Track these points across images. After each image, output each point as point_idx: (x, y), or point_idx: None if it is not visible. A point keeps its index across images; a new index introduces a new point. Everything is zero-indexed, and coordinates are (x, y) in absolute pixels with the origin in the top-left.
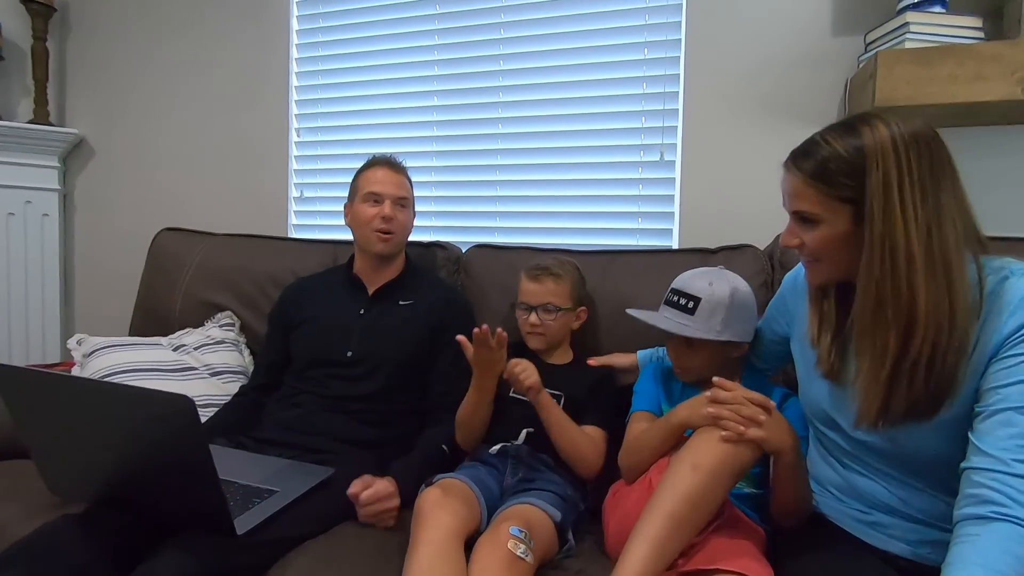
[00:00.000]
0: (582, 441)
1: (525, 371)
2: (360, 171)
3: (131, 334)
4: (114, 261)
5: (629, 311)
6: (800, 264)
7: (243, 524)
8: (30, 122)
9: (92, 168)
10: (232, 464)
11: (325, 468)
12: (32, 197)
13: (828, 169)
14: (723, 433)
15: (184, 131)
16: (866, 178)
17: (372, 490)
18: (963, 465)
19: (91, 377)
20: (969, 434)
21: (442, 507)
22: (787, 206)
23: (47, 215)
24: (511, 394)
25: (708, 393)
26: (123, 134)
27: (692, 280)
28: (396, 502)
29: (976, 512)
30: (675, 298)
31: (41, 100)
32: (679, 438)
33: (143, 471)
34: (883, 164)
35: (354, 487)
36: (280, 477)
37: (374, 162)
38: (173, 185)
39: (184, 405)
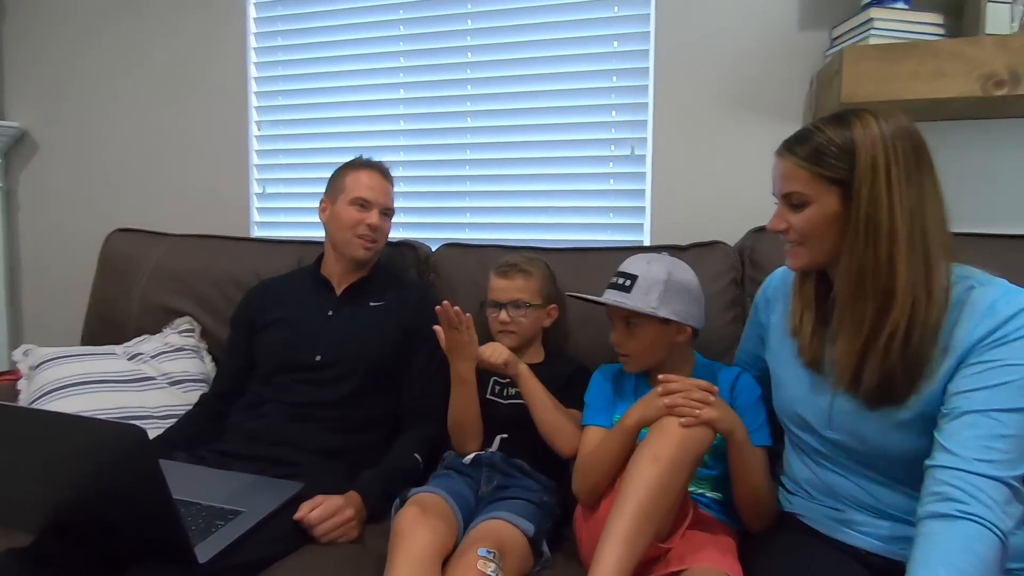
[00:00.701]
0: (563, 415)
1: (493, 351)
2: (347, 168)
3: (83, 343)
4: (63, 263)
5: (570, 294)
6: (769, 279)
7: (205, 551)
8: None
9: (36, 163)
10: (193, 482)
11: (293, 483)
12: None
13: (821, 152)
14: (682, 420)
15: (135, 123)
16: (856, 161)
17: (319, 510)
18: (927, 463)
19: (40, 390)
20: (935, 434)
21: (421, 524)
22: (777, 191)
23: None
24: (486, 396)
25: (657, 388)
26: (69, 127)
27: (632, 262)
28: (348, 514)
29: (939, 510)
30: (615, 279)
31: None
32: (634, 442)
33: (95, 504)
34: (872, 150)
35: (300, 511)
36: (245, 495)
37: (365, 164)
38: (125, 182)
39: (136, 436)
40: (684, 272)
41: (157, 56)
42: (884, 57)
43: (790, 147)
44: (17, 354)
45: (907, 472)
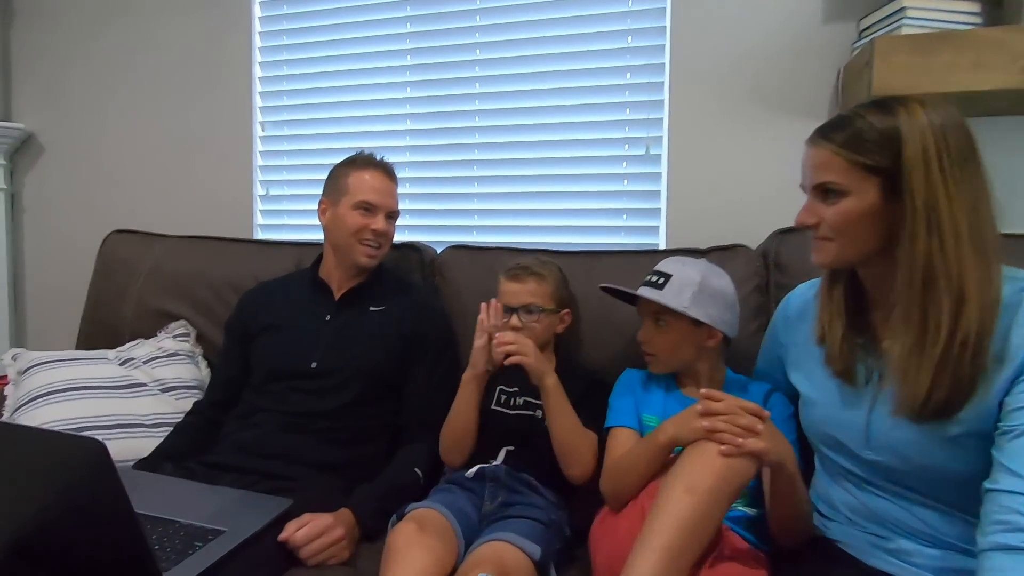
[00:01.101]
0: (582, 436)
1: (521, 346)
2: (348, 167)
3: (79, 347)
4: (67, 266)
5: (602, 286)
6: (788, 298)
7: None
8: None
9: (41, 166)
10: (175, 497)
11: (281, 500)
12: None
13: (861, 139)
14: (721, 447)
15: (141, 126)
16: (902, 149)
17: (306, 529)
18: (988, 485)
19: (27, 396)
20: (994, 453)
21: (416, 544)
22: (807, 182)
23: None
24: (492, 406)
25: (697, 406)
26: (75, 129)
27: (667, 262)
28: (338, 533)
29: (1007, 542)
30: (648, 277)
31: None
32: (667, 458)
33: (51, 523)
34: (921, 139)
35: (285, 531)
36: (230, 512)
37: (368, 163)
38: (131, 184)
39: (95, 450)
40: (720, 278)
41: (162, 58)
42: (918, 48)
43: (825, 133)
44: (6, 358)
45: (959, 495)
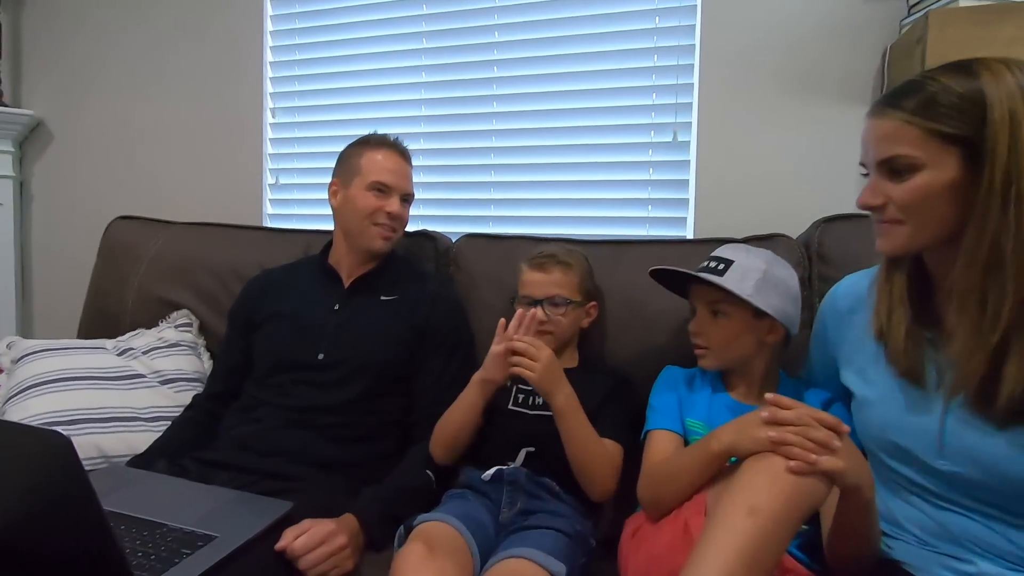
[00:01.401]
0: (601, 455)
1: (535, 349)
2: (361, 147)
3: (80, 336)
4: (76, 254)
5: (653, 268)
6: (835, 291)
7: None
8: None
9: (51, 153)
10: (166, 498)
11: (280, 502)
12: None
13: (937, 104)
14: (790, 463)
15: (151, 113)
16: (986, 114)
17: (305, 537)
18: None
19: (19, 386)
20: None
21: (425, 569)
22: (870, 158)
23: (1, 204)
24: (509, 407)
25: (762, 412)
26: (84, 116)
27: (727, 249)
28: (340, 541)
29: None
30: (706, 263)
31: None
32: (720, 469)
33: (13, 523)
34: (1009, 102)
35: (283, 539)
36: (223, 516)
37: (382, 142)
38: (140, 172)
39: (58, 445)
40: (784, 268)
41: (172, 43)
42: (977, 21)
43: (892, 100)
44: (1, 347)
45: None
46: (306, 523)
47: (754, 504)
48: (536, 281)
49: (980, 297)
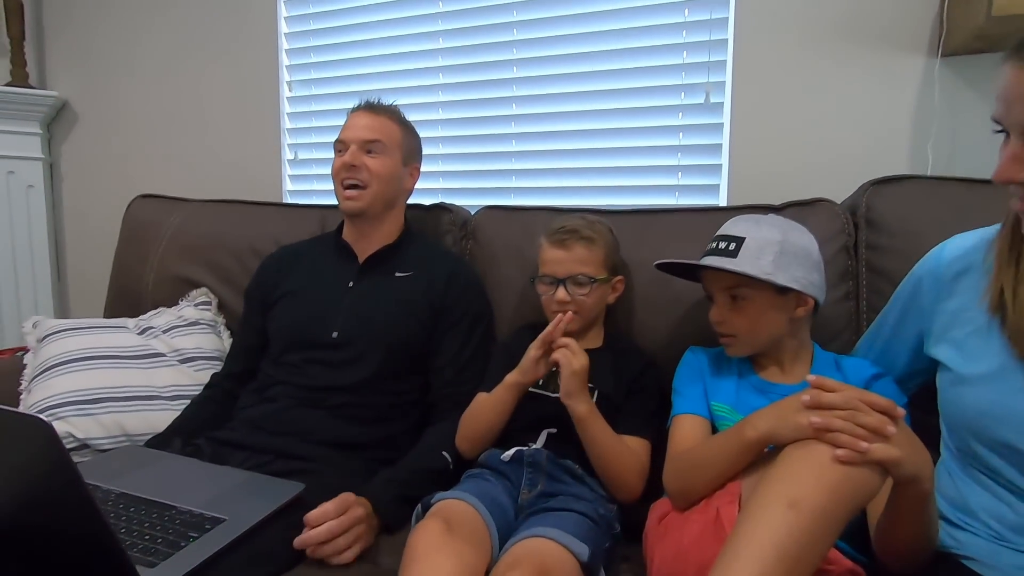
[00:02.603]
0: (627, 462)
1: (570, 357)
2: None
3: (105, 315)
4: (106, 234)
5: (658, 263)
6: (940, 252)
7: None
8: (7, 84)
9: (77, 134)
10: (177, 479)
11: (293, 484)
12: (14, 167)
13: None
14: (837, 452)
15: (174, 91)
16: None
17: (319, 510)
18: None
19: (43, 365)
20: None
21: (442, 549)
22: (1014, 117)
23: (32, 186)
24: (531, 388)
25: (803, 396)
26: (108, 96)
27: (734, 224)
28: (358, 512)
29: None
30: (715, 244)
31: (19, 60)
32: (756, 457)
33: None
34: None
35: (302, 540)
36: (233, 498)
37: (354, 108)
38: (164, 150)
39: (40, 429)
40: (801, 234)
41: (193, 23)
42: None
43: None
44: (27, 326)
45: None
46: (320, 509)
47: (795, 496)
48: (557, 259)
49: None
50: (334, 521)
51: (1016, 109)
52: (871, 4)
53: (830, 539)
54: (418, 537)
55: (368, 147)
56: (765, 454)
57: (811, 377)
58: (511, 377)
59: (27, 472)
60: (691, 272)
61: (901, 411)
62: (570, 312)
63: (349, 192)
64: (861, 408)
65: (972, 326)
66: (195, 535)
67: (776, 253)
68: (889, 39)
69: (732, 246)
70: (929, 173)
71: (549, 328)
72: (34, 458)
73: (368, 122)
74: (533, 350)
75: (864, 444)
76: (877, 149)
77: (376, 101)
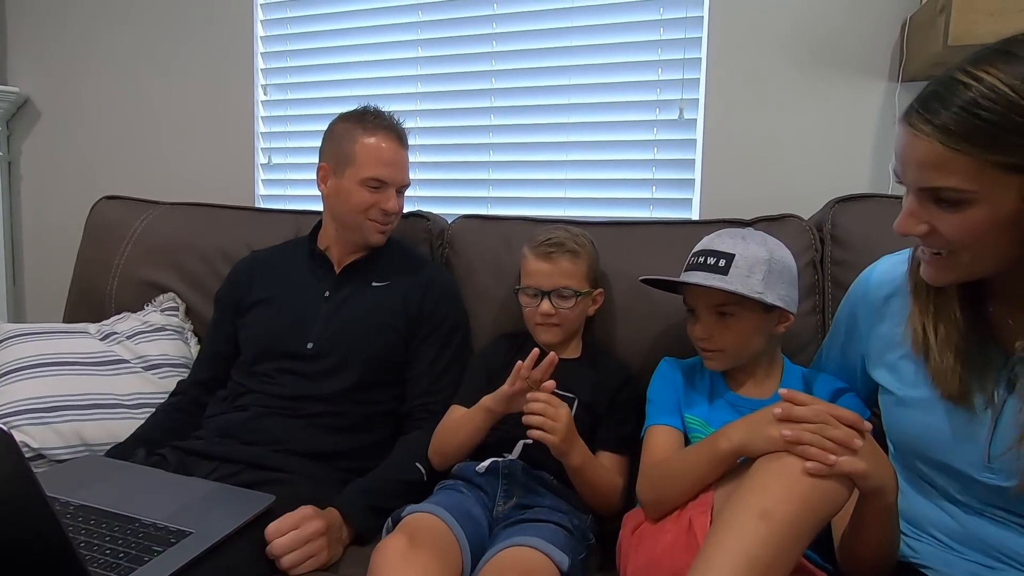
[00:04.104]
0: (610, 488)
1: (554, 417)
2: (355, 129)
3: (65, 320)
4: (66, 236)
5: (643, 278)
6: (869, 275)
7: None
8: None
9: (38, 132)
10: (141, 490)
11: (262, 495)
12: None
13: (987, 122)
14: (806, 464)
15: (142, 90)
16: None
17: (277, 522)
18: None
19: None
20: None
21: (402, 566)
22: (910, 179)
23: None
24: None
25: (774, 409)
26: (73, 94)
27: (720, 239)
28: (315, 526)
29: None
30: (701, 259)
31: None
32: (729, 468)
33: None
34: None
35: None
36: (200, 510)
37: (377, 126)
38: (131, 151)
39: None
40: (783, 251)
41: (162, 20)
42: None
43: (931, 116)
44: None
45: None
46: (283, 518)
47: (767, 507)
48: (543, 271)
49: None
50: (287, 536)
51: (910, 170)
52: (837, 30)
53: (799, 549)
54: (380, 554)
55: (404, 188)
56: (738, 465)
57: (783, 391)
58: (487, 403)
59: None
60: (670, 284)
61: (868, 425)
62: (551, 355)
63: (381, 228)
64: (830, 422)
65: (902, 350)
66: (159, 549)
67: (765, 272)
68: (854, 63)
69: (722, 262)
70: (890, 191)
71: (527, 363)
72: None
73: (406, 160)
74: (507, 386)
75: (832, 457)
76: (842, 167)
77: (399, 125)
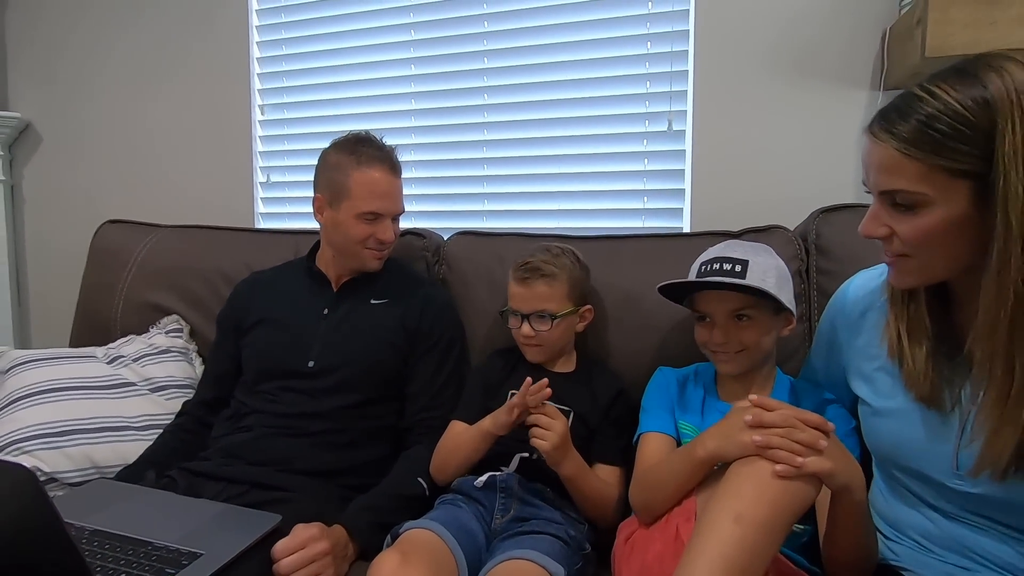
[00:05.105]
0: (606, 499)
1: (545, 431)
2: (347, 163)
3: (72, 343)
4: (71, 259)
5: (661, 285)
6: (846, 289)
7: None
8: None
9: (41, 156)
10: (151, 513)
11: (269, 515)
12: None
13: (938, 132)
14: (777, 467)
15: (142, 112)
16: (996, 142)
17: (285, 540)
18: None
19: (8, 397)
20: None
21: None
22: (872, 183)
23: None
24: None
25: (745, 416)
26: (74, 118)
27: (730, 248)
28: (321, 547)
29: None
30: (716, 265)
31: None
32: (707, 474)
33: None
34: (1022, 127)
35: (280, 565)
36: (210, 531)
37: (370, 158)
38: (133, 173)
39: (21, 477)
40: (783, 262)
41: (160, 43)
42: None
43: (887, 124)
44: None
45: None
46: (295, 529)
47: (740, 511)
48: (520, 295)
49: (1007, 364)
50: (294, 556)
51: (871, 175)
52: (820, 41)
53: (773, 548)
54: (374, 570)
55: (398, 216)
56: (716, 470)
57: (752, 398)
58: (486, 425)
59: (7, 517)
60: (675, 293)
61: (831, 426)
62: (543, 382)
63: (378, 254)
64: (797, 425)
65: (878, 362)
66: (172, 571)
67: (776, 276)
68: (836, 74)
69: (739, 267)
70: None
71: (520, 396)
72: (14, 503)
73: (399, 188)
74: (504, 414)
75: (800, 459)
76: (827, 177)
77: (391, 153)
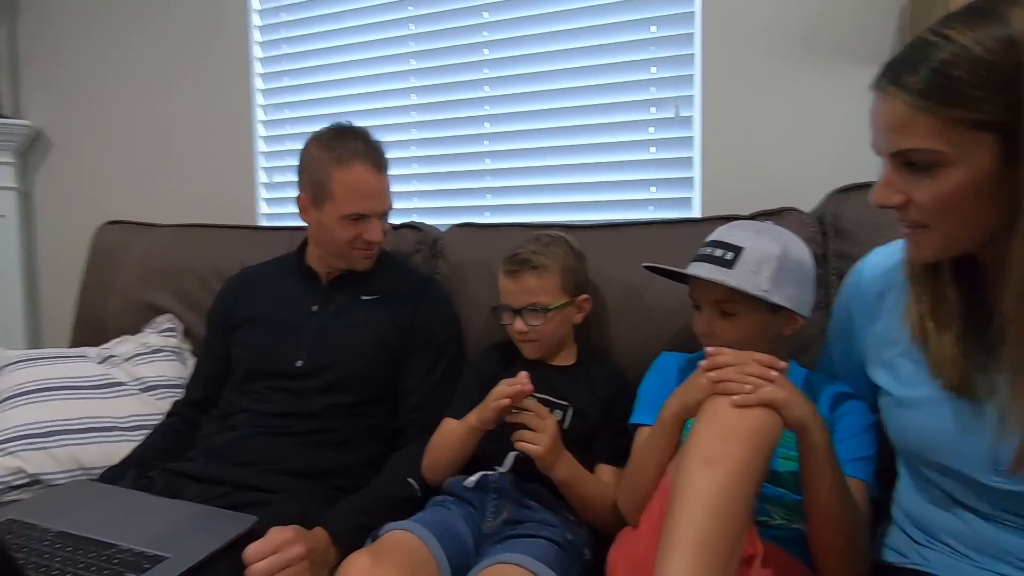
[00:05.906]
0: (603, 502)
1: (535, 435)
2: (328, 162)
3: (72, 344)
4: (81, 263)
5: (645, 264)
6: (862, 268)
7: None
8: None
9: (51, 163)
10: (123, 514)
11: (244, 516)
12: None
13: (954, 79)
14: (733, 398)
15: (149, 117)
16: (1023, 86)
17: (258, 544)
18: None
19: None
20: None
21: None
22: (883, 145)
23: (4, 216)
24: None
25: (703, 364)
26: (83, 124)
27: (732, 230)
28: (296, 551)
29: None
30: (708, 250)
31: None
32: (679, 438)
33: None
34: None
35: (250, 571)
36: (180, 533)
37: (352, 155)
38: (140, 177)
39: None
40: (799, 248)
41: (166, 49)
42: None
43: (895, 75)
44: None
45: None
46: (269, 532)
47: (707, 454)
48: (510, 290)
49: None
50: (266, 561)
51: (880, 135)
52: (834, 16)
53: (752, 487)
54: (342, 572)
55: (386, 214)
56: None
57: (709, 349)
58: (472, 419)
59: None
60: (679, 275)
61: (783, 364)
62: (524, 374)
63: (367, 254)
64: (748, 363)
65: (900, 347)
66: (133, 575)
67: (775, 269)
68: (852, 50)
69: (729, 255)
70: None
71: (509, 389)
72: None
73: (386, 184)
74: (493, 399)
75: (749, 387)
76: (843, 157)
77: (375, 145)
